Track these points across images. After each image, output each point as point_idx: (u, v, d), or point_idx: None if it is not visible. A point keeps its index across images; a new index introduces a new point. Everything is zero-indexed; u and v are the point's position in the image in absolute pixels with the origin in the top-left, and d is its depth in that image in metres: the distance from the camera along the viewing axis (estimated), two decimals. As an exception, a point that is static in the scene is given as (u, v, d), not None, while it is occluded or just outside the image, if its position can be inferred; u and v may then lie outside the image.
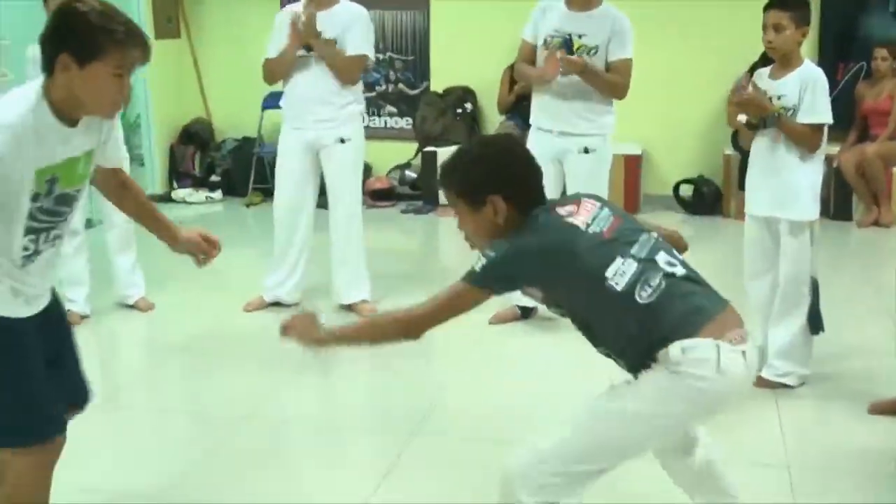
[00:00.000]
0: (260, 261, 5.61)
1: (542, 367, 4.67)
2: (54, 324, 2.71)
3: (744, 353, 2.44)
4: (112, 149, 2.72)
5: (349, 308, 5.32)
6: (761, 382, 4.26)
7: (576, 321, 2.62)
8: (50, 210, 2.49)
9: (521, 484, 2.44)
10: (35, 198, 2.42)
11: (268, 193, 5.59)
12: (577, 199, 2.58)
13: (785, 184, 4.10)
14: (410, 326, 2.53)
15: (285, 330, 2.61)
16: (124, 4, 7.66)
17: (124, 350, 5.21)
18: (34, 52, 4.96)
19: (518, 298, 5.11)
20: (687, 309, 2.44)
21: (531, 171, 2.59)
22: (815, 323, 4.24)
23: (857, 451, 3.74)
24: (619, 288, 2.40)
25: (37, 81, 2.41)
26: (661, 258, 2.50)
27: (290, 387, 4.43)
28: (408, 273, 6.25)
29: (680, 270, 2.50)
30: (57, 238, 2.59)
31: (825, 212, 5.85)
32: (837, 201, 7.33)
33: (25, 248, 2.48)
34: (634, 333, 2.44)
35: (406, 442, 3.82)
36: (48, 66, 2.38)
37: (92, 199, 5.06)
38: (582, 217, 2.50)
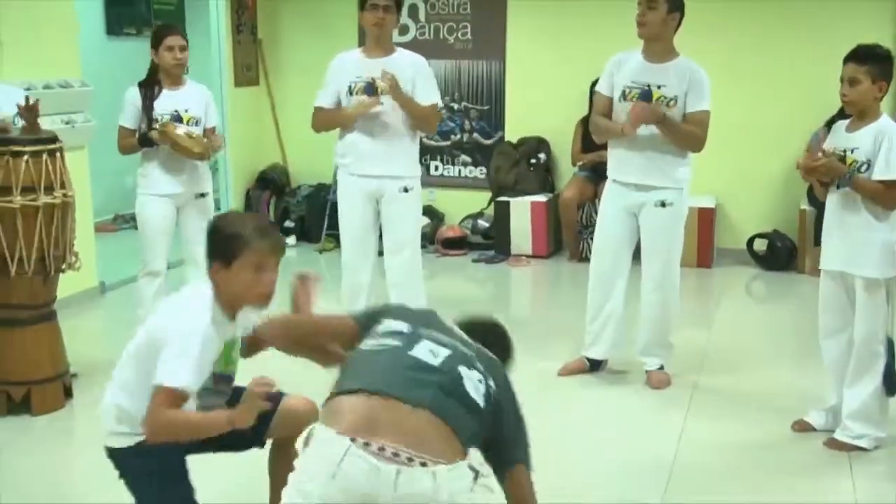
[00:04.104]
0: (332, 307, 5.63)
1: (610, 419, 4.64)
2: None
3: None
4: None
5: None
6: (835, 444, 4.18)
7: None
8: (209, 389, 2.93)
9: None
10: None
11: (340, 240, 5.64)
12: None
13: (859, 240, 4.03)
14: None
15: None
16: (207, 53, 7.92)
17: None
18: (131, 95, 5.16)
19: (587, 349, 5.10)
20: None
21: None
22: (890, 384, 4.14)
23: (934, 518, 3.65)
24: None
25: (206, 288, 2.91)
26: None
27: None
28: (477, 322, 6.23)
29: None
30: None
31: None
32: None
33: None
34: None
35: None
36: (209, 271, 2.92)
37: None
38: None
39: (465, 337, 2.73)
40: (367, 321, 2.75)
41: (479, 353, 2.65)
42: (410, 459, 2.17)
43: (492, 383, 2.55)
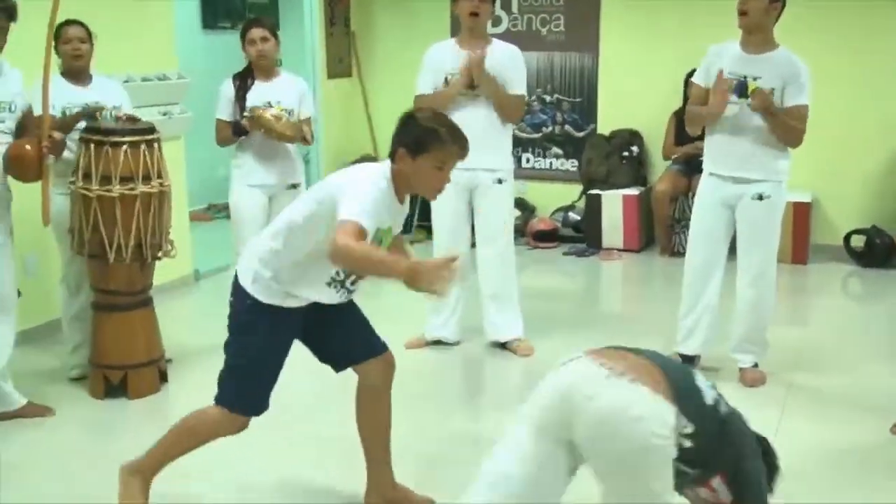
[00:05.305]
0: (421, 299, 5.64)
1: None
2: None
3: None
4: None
5: (503, 346, 5.33)
6: (936, 446, 4.07)
7: None
8: None
9: None
10: None
11: (432, 231, 5.67)
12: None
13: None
14: None
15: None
16: (300, 44, 8.01)
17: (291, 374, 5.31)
18: (225, 87, 5.24)
19: (680, 345, 5.03)
20: None
21: None
22: None
23: None
24: None
25: (387, 164, 3.12)
26: None
27: (434, 425, 4.44)
28: (566, 315, 6.20)
29: None
30: (355, 286, 3.28)
31: None
32: None
33: (337, 274, 3.17)
34: None
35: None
36: (392, 155, 3.10)
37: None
38: None
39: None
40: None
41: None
42: (622, 374, 2.55)
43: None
